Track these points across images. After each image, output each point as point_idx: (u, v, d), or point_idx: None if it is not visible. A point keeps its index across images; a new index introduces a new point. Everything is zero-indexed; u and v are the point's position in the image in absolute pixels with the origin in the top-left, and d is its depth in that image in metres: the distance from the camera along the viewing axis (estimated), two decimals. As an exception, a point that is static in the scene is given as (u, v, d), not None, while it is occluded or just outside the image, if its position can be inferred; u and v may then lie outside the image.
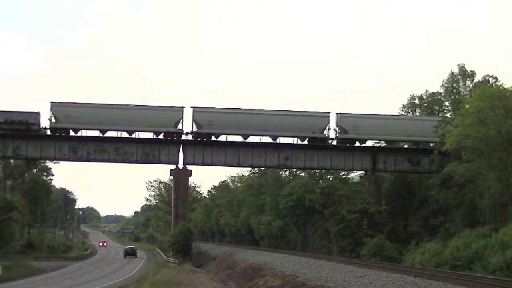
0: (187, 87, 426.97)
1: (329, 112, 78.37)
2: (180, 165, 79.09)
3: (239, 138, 77.70)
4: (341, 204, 77.19)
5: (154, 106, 77.92)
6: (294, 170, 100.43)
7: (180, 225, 79.30)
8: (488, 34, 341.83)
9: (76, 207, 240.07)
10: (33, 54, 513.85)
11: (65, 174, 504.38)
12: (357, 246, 70.25)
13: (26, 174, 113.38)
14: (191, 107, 77.17)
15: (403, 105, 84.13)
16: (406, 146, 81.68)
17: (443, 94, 79.73)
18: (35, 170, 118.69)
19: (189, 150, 78.53)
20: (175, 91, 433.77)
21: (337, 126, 77.85)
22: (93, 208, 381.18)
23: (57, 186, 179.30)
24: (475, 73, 76.69)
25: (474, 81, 76.23)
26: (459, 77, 77.22)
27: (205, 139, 77.18)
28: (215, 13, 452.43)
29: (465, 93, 76.19)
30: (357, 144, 78.66)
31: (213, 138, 77.35)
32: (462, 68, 77.09)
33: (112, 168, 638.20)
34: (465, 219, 63.20)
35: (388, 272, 39.35)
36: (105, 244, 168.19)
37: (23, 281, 54.87)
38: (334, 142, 78.39)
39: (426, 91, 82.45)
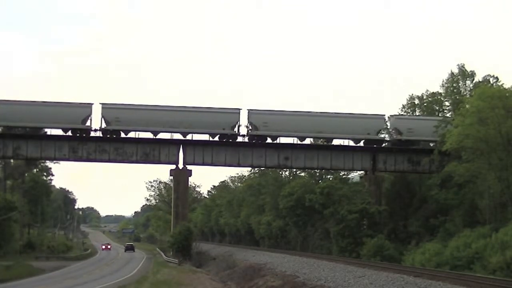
0: (186, 87, 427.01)
1: (239, 109, 77.74)
2: (180, 165, 79.05)
3: (148, 135, 77.05)
4: (341, 204, 77.16)
5: (62, 102, 76.79)
6: (294, 170, 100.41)
7: (180, 225, 79.27)
8: (488, 34, 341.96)
9: (76, 207, 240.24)
10: (33, 54, 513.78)
11: (65, 174, 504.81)
12: (357, 246, 70.21)
13: (26, 174, 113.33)
14: (100, 103, 76.50)
15: (403, 105, 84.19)
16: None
17: (443, 94, 79.72)
18: (35, 170, 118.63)
19: (189, 150, 78.50)
20: (175, 91, 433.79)
21: (248, 122, 77.28)
22: (93, 208, 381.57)
23: (57, 186, 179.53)
24: (475, 73, 76.70)
25: (474, 81, 76.22)
26: (459, 77, 77.19)
27: (114, 136, 76.31)
28: (215, 13, 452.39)
29: (465, 93, 76.16)
30: (269, 140, 77.68)
31: (122, 135, 76.49)
32: (462, 68, 77.06)
33: (112, 168, 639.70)
34: (465, 219, 63.16)
35: (388, 272, 39.34)
36: (108, 246, 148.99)
37: (23, 281, 54.86)
38: (246, 139, 77.69)
39: (426, 91, 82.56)
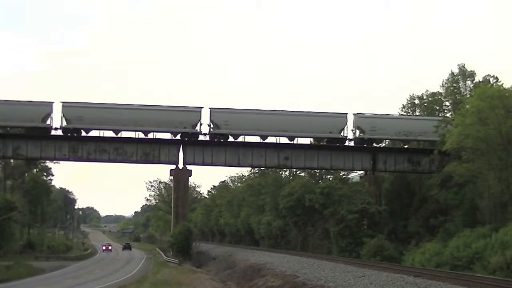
0: (186, 86, 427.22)
1: (201, 107, 77.52)
2: (180, 165, 79.07)
3: (111, 134, 76.74)
4: (341, 204, 77.18)
5: (23, 101, 76.34)
6: (294, 170, 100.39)
7: (180, 225, 79.29)
8: (488, 34, 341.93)
9: (76, 207, 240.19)
10: (33, 54, 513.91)
11: (65, 174, 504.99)
12: (357, 246, 70.21)
13: (26, 174, 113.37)
14: (60, 101, 76.02)
15: (403, 105, 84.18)
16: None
17: (443, 94, 79.72)
18: (35, 170, 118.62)
19: (189, 150, 78.52)
20: (175, 90, 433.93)
21: (210, 121, 77.17)
22: (93, 208, 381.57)
23: (57, 186, 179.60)
24: (475, 73, 76.75)
25: (474, 81, 76.24)
26: (459, 77, 77.21)
27: (75, 135, 75.91)
28: (215, 13, 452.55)
29: (465, 93, 76.18)
30: (231, 139, 77.55)
31: (83, 134, 76.30)
32: (462, 68, 77.08)
33: (112, 168, 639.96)
34: (465, 219, 63.16)
35: (388, 272, 39.32)
36: (110, 248, 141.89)
37: (23, 281, 54.83)
38: (207, 138, 77.61)
39: (426, 91, 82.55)
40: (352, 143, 78.78)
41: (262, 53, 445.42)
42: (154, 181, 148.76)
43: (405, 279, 34.93)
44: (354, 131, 78.29)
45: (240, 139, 77.97)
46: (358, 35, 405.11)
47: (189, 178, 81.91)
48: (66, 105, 75.97)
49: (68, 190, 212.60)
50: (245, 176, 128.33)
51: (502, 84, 69.60)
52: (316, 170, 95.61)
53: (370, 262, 55.46)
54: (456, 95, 77.00)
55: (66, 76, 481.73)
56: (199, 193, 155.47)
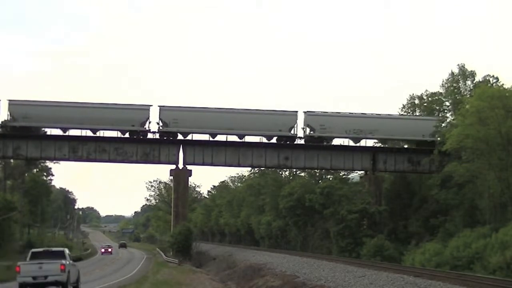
0: (186, 86, 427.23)
1: (149, 105, 77.22)
2: (180, 165, 79.05)
3: (58, 132, 76.54)
4: (341, 204, 77.20)
5: None
6: (294, 170, 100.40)
7: (180, 225, 79.27)
8: (488, 34, 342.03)
9: (76, 207, 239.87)
10: (33, 54, 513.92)
11: (65, 174, 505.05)
12: (357, 246, 70.26)
13: (26, 174, 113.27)
14: (7, 99, 75.44)
15: (403, 105, 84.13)
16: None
17: (443, 94, 79.70)
18: (35, 170, 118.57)
19: (189, 150, 78.51)
20: (174, 90, 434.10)
21: (158, 119, 76.82)
22: (93, 208, 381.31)
23: (57, 186, 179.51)
24: (475, 73, 76.66)
25: (474, 81, 76.22)
26: (459, 77, 77.17)
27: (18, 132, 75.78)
28: (215, 13, 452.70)
29: (465, 93, 76.16)
30: (180, 137, 77.33)
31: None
32: (462, 68, 77.05)
33: (112, 168, 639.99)
34: (465, 219, 63.23)
35: (388, 272, 39.34)
36: (109, 250, 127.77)
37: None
38: (157, 136, 77.28)
39: (426, 91, 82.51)
40: (302, 141, 78.48)
41: (262, 53, 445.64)
42: (154, 181, 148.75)
43: (405, 279, 34.95)
44: (304, 129, 78.09)
45: (189, 137, 77.60)
46: (358, 35, 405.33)
47: (189, 178, 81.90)
48: (12, 103, 75.00)
49: (68, 190, 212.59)
50: (245, 176, 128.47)
51: (502, 84, 69.63)
52: (316, 170, 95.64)
53: (370, 262, 55.52)
54: (456, 95, 76.96)
55: (66, 76, 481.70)
56: (199, 193, 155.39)
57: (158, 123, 76.65)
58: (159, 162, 79.26)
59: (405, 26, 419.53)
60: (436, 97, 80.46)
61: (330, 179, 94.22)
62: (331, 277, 40.49)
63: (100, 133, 76.60)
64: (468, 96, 71.84)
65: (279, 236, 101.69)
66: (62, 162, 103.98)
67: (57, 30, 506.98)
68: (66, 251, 38.16)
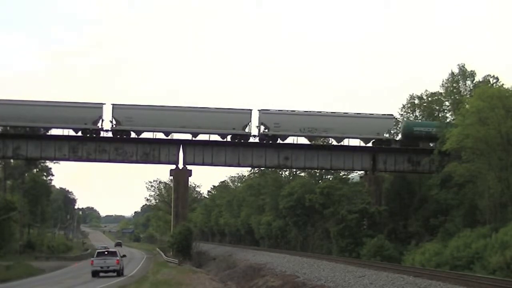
0: (185, 86, 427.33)
1: (102, 103, 77.24)
2: (180, 165, 79.06)
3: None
4: (341, 204, 77.16)
5: None
6: (294, 170, 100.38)
7: (180, 225, 79.27)
8: (488, 34, 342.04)
9: (76, 207, 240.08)
10: (33, 54, 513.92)
11: (65, 174, 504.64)
12: (357, 246, 70.22)
13: (26, 174, 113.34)
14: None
15: (403, 105, 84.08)
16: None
17: (443, 94, 79.69)
18: (35, 170, 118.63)
19: (189, 150, 78.52)
20: (174, 90, 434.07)
21: (112, 117, 76.67)
22: (93, 208, 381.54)
23: (57, 186, 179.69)
24: (475, 73, 76.74)
25: (474, 81, 76.24)
26: (459, 77, 77.19)
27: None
28: (215, 13, 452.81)
29: (465, 93, 76.17)
30: (133, 135, 77.24)
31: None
32: (462, 68, 77.06)
33: (112, 168, 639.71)
34: (465, 219, 63.22)
35: (388, 272, 39.34)
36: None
37: (23, 281, 54.83)
38: (110, 134, 77.11)
39: (426, 91, 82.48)
40: (257, 140, 78.40)
41: (262, 53, 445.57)
42: (154, 181, 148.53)
43: (405, 279, 34.95)
44: (258, 127, 78.05)
45: (143, 135, 77.51)
46: (358, 35, 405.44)
47: (189, 178, 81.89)
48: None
49: (68, 190, 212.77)
50: (245, 176, 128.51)
51: (502, 84, 69.71)
52: (316, 170, 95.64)
53: (370, 262, 55.50)
54: (456, 95, 76.97)
55: (66, 76, 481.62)
56: (199, 193, 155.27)
57: (111, 121, 76.55)
58: (159, 162, 79.28)
59: (405, 26, 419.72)
60: (436, 97, 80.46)
61: (330, 179, 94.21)
62: (331, 277, 40.50)
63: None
64: (468, 96, 71.85)
65: (279, 236, 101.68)
66: (62, 162, 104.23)
67: (57, 30, 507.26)
68: (117, 251, 60.48)
